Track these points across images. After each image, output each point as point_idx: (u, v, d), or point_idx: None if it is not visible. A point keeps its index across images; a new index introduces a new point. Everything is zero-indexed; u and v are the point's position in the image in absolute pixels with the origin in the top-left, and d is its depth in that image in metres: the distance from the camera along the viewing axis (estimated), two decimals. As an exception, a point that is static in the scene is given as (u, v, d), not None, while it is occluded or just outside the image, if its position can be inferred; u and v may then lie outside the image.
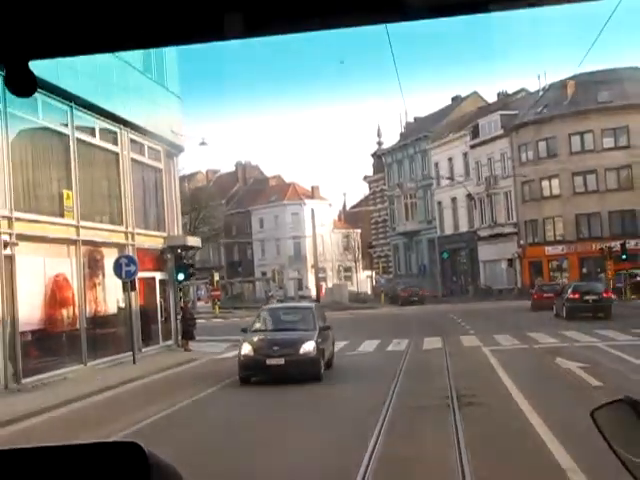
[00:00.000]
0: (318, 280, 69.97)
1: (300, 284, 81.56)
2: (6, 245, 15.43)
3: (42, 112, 17.46)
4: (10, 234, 15.68)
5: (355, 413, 11.53)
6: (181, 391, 14.95)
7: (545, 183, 53.82)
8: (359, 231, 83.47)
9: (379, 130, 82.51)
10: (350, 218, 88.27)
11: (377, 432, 9.74)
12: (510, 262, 55.89)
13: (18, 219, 16.05)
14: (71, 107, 18.67)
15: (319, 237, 74.71)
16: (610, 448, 1.36)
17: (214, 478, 7.89)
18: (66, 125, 18.69)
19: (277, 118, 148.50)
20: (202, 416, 12.52)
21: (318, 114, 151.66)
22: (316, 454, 8.86)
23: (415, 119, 73.97)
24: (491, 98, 66.45)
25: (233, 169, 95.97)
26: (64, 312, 17.99)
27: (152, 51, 23.45)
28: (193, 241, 26.33)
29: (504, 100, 62.92)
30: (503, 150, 56.70)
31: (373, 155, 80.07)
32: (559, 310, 31.58)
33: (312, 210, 70.13)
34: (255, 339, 15.74)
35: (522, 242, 55.02)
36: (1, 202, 15.55)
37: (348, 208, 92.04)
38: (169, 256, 24.36)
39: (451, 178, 60.93)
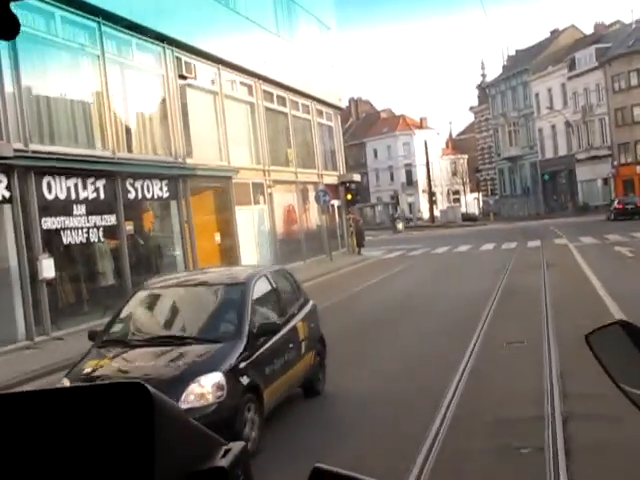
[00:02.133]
0: (432, 203, 79.19)
1: (412, 208, 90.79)
2: (269, 187, 25.73)
3: (277, 101, 27.54)
4: (269, 180, 25.97)
5: (490, 269, 21.18)
6: (371, 274, 24.91)
7: (636, 109, 60.57)
8: (466, 157, 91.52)
9: (483, 63, 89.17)
10: (457, 145, 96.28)
11: (502, 276, 19.33)
12: (605, 181, 63.41)
13: (271, 170, 26.28)
14: (287, 95, 28.60)
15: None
16: (606, 373, 1.27)
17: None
18: (286, 106, 28.66)
19: (386, 54, 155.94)
20: (388, 285, 22.58)
21: (425, 48, 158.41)
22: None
23: (516, 52, 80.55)
24: (588, 29, 72.59)
25: (346, 104, 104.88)
26: (293, 227, 28.40)
27: (326, 37, 32.94)
28: (356, 177, 36.26)
29: (600, 32, 69.02)
30: (598, 81, 63.43)
31: (478, 87, 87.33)
32: (609, 215, 46.63)
33: (425, 141, 78.76)
34: (87, 370, 6.88)
35: (615, 163, 62.28)
36: (264, 162, 25.77)
37: (455, 136, 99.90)
38: (341, 188, 34.28)
39: (550, 107, 68.15)
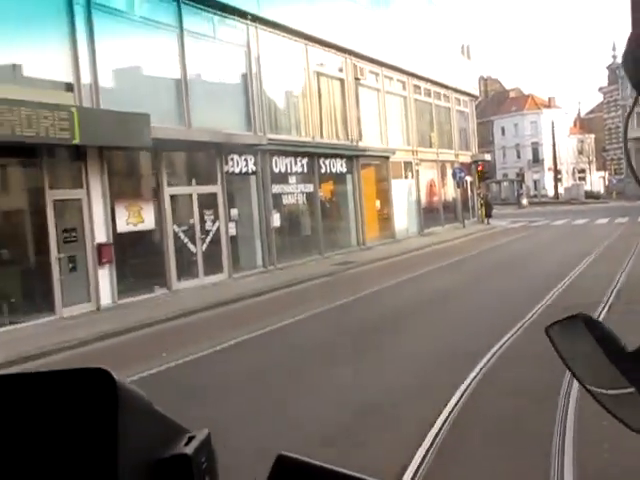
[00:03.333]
0: (556, 181, 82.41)
1: (537, 185, 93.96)
2: (416, 164, 31.54)
3: (423, 93, 33.20)
4: (416, 159, 31.76)
5: (598, 236, 26.13)
6: (500, 238, 30.20)
7: None
8: (593, 136, 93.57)
9: (614, 44, 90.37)
10: (584, 125, 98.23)
11: (605, 241, 24.29)
12: None
13: (418, 151, 32.06)
14: (431, 87, 34.17)
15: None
16: (567, 368, 1.23)
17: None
18: (430, 97, 34.27)
19: (516, 33, 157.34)
20: (514, 245, 27.90)
21: (556, 28, 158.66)
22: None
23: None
24: None
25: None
26: (434, 198, 34.14)
27: (464, 29, 38.11)
28: (487, 157, 41.46)
29: None
30: None
31: (608, 67, 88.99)
32: None
33: (552, 121, 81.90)
34: None
35: None
36: (413, 144, 31.57)
37: (583, 115, 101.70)
38: (473, 166, 39.57)
39: (680, 90, 69.90)
